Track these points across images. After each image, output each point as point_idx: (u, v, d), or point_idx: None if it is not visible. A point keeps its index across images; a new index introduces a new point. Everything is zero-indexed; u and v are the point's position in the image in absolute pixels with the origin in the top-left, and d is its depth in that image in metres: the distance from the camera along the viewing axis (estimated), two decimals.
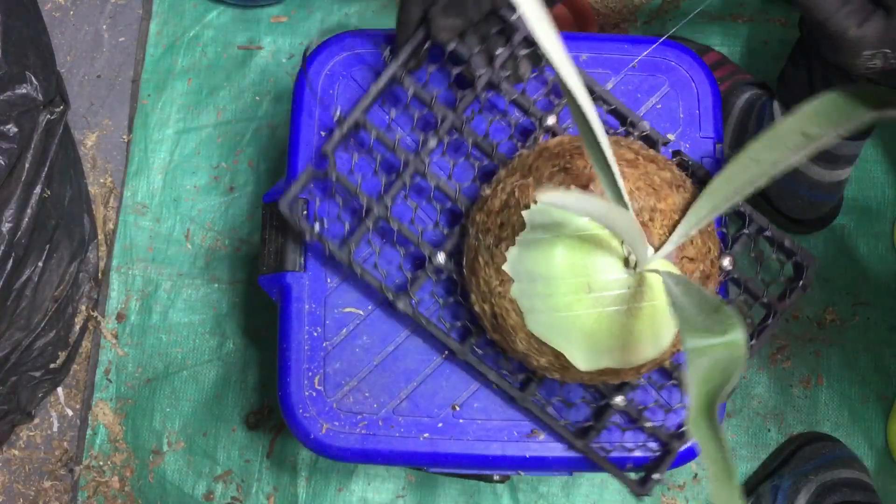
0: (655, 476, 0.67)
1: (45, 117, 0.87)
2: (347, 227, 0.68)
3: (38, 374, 0.95)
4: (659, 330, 0.59)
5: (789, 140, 0.56)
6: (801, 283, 0.68)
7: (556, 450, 0.69)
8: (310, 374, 0.70)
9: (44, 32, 0.89)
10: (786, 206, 0.98)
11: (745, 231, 0.68)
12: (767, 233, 0.68)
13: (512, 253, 0.59)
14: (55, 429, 1.01)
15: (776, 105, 0.94)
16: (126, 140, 1.07)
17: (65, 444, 1.01)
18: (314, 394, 0.69)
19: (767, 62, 1.07)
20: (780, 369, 1.01)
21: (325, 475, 0.99)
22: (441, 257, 0.66)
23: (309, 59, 0.73)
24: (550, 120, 0.67)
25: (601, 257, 0.58)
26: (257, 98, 1.07)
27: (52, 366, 0.97)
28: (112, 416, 1.00)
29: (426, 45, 0.66)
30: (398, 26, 0.64)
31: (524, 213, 0.58)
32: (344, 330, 0.70)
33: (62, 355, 0.98)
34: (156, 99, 1.07)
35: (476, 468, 0.71)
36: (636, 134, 0.68)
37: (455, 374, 0.69)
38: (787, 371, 1.01)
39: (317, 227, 0.67)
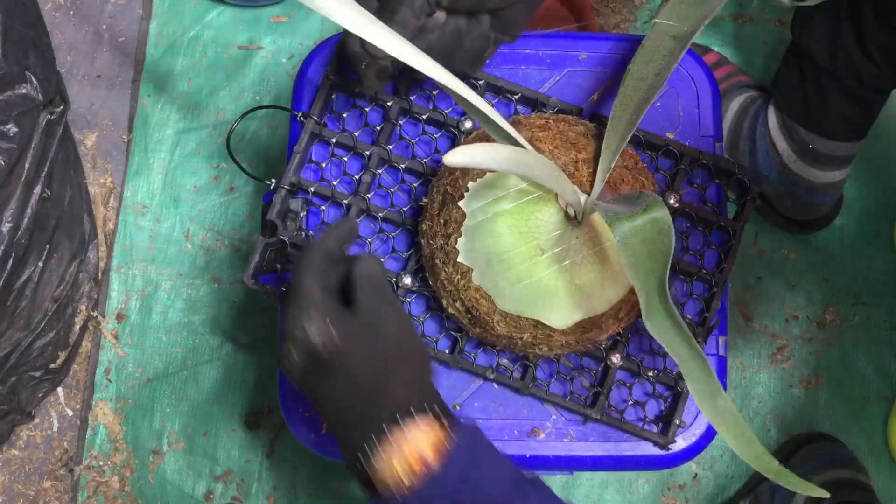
0: (675, 421, 0.68)
1: (45, 117, 0.87)
2: None
3: (38, 374, 0.95)
4: (616, 268, 0.61)
5: (663, 48, 0.59)
6: (748, 197, 0.70)
7: (557, 448, 0.69)
8: None
9: (44, 32, 0.89)
10: (784, 207, 0.98)
11: (681, 166, 0.69)
12: (702, 161, 0.70)
13: (461, 242, 0.62)
14: (55, 429, 1.01)
15: (772, 109, 0.94)
16: (126, 140, 1.07)
17: (65, 444, 1.01)
18: None
19: (767, 62, 1.07)
20: (780, 369, 1.01)
21: (325, 475, 0.99)
22: (407, 279, 0.68)
23: (308, 58, 0.73)
24: (468, 124, 0.70)
25: (542, 218, 0.61)
26: (257, 98, 1.07)
27: (52, 366, 0.97)
28: (112, 416, 1.00)
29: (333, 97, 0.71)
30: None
31: (460, 203, 0.61)
32: None
33: (62, 355, 0.98)
34: (156, 99, 1.07)
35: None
36: (550, 111, 0.70)
37: (455, 373, 0.69)
38: (787, 371, 1.01)
39: (283, 290, 0.68)
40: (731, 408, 0.50)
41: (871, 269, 1.03)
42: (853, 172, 0.97)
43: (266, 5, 1.09)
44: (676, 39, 0.59)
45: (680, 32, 0.59)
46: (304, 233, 0.70)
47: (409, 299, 0.69)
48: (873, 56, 0.81)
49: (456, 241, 0.62)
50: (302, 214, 0.70)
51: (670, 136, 0.71)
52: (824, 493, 0.50)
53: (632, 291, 0.63)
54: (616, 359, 0.68)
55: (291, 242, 0.69)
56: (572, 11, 1.07)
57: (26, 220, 0.86)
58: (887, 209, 1.04)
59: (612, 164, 0.61)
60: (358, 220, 0.70)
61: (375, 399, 0.52)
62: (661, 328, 0.50)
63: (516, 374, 0.69)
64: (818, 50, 0.85)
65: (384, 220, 0.70)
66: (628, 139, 0.61)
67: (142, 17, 1.10)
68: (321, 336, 0.52)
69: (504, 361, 0.69)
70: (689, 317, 0.70)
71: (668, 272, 0.50)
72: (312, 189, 0.70)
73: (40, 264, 0.91)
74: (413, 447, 0.51)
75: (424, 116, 0.70)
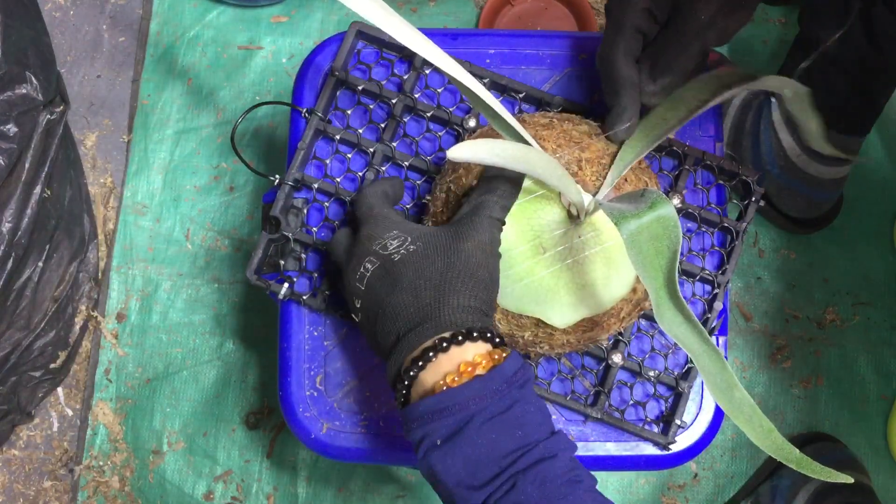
0: (676, 421, 0.68)
1: (45, 117, 0.87)
2: (316, 276, 0.70)
3: (38, 374, 0.95)
4: (618, 268, 0.61)
5: (689, 104, 0.61)
6: (752, 198, 0.69)
7: None
8: (311, 373, 0.70)
9: (44, 32, 0.89)
10: (786, 204, 0.98)
11: (685, 166, 0.69)
12: (706, 161, 0.70)
13: None
14: (55, 429, 1.01)
15: (775, 103, 0.94)
16: (126, 140, 1.07)
17: (65, 444, 1.01)
18: (315, 393, 0.69)
19: (767, 62, 1.07)
20: (780, 369, 1.01)
21: (325, 475, 0.99)
22: None
23: (309, 58, 0.73)
24: (471, 122, 0.70)
25: (545, 217, 0.61)
26: (257, 98, 1.07)
27: (52, 366, 0.97)
28: (112, 416, 1.00)
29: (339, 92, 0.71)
30: (611, 95, 0.63)
31: (464, 201, 0.61)
32: (344, 329, 0.70)
33: (62, 355, 0.98)
34: (156, 99, 1.07)
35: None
36: (553, 110, 0.70)
37: None
38: (787, 371, 1.01)
39: (285, 286, 0.69)
40: (748, 399, 0.50)
41: (871, 269, 1.03)
42: (853, 172, 0.97)
43: (266, 5, 1.09)
44: (701, 101, 0.62)
45: (706, 98, 0.62)
46: (306, 229, 0.70)
47: None
48: (882, 47, 0.81)
49: None
50: (305, 211, 0.70)
51: (671, 136, 0.71)
52: (847, 479, 0.51)
53: (633, 291, 0.63)
54: (617, 358, 0.68)
55: (294, 238, 0.69)
56: (572, 12, 1.07)
57: (26, 220, 0.85)
58: (887, 209, 1.04)
59: (623, 173, 0.61)
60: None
61: (437, 309, 0.53)
62: (672, 324, 0.50)
63: None
64: (827, 39, 0.85)
65: None
66: (643, 156, 0.62)
67: (142, 17, 1.10)
68: (397, 240, 0.56)
69: None
70: None
71: (676, 268, 0.50)
72: (316, 185, 0.70)
73: (40, 264, 0.91)
74: (463, 356, 0.51)
75: (429, 114, 0.70)
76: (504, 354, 0.52)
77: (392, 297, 0.55)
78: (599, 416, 0.68)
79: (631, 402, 0.69)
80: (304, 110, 0.70)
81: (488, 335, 0.53)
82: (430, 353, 0.51)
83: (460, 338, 0.52)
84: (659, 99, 0.63)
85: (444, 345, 0.51)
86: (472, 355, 0.51)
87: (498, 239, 0.58)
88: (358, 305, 0.58)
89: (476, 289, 0.54)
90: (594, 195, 0.61)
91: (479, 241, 0.56)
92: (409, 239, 0.56)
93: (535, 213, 0.60)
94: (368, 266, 0.56)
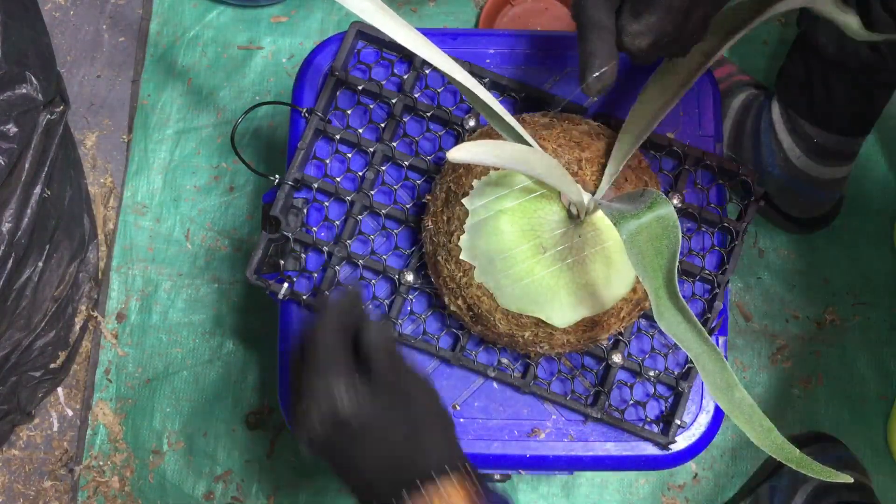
0: (676, 421, 0.68)
1: (45, 117, 0.87)
2: (316, 275, 0.70)
3: (38, 374, 0.95)
4: (618, 267, 0.61)
5: (691, 61, 0.58)
6: (752, 198, 0.70)
7: (557, 448, 0.69)
8: None
9: (44, 32, 0.89)
10: (786, 204, 0.97)
11: (685, 166, 0.69)
12: (706, 161, 0.70)
13: (464, 240, 0.62)
14: (55, 429, 1.01)
15: (775, 105, 0.94)
16: (126, 140, 1.07)
17: (65, 444, 1.01)
18: None
19: (767, 62, 1.07)
20: (780, 369, 1.01)
21: (325, 475, 0.99)
22: (409, 276, 0.68)
23: (309, 58, 0.73)
24: (471, 122, 0.70)
25: (545, 216, 0.61)
26: (257, 98, 1.07)
27: (52, 366, 0.97)
28: (112, 416, 1.00)
29: (338, 91, 0.71)
30: (582, 42, 0.55)
31: (463, 200, 0.61)
32: None
33: (62, 355, 0.98)
34: (156, 99, 1.07)
35: (476, 467, 0.71)
36: (554, 110, 0.70)
37: (455, 373, 0.69)
38: (787, 371, 1.01)
39: (285, 286, 0.69)
40: (748, 399, 0.50)
41: (871, 269, 1.03)
42: (853, 172, 0.97)
43: (266, 5, 1.09)
44: (703, 55, 0.59)
45: (710, 48, 0.59)
46: (306, 229, 0.71)
47: (411, 296, 0.69)
48: (881, 49, 0.81)
49: (458, 239, 0.62)
50: (305, 211, 0.70)
51: (670, 136, 0.71)
52: (847, 479, 0.51)
53: (633, 290, 0.63)
54: (617, 358, 0.68)
55: (294, 238, 0.69)
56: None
57: (26, 220, 0.85)
58: (887, 209, 1.04)
59: (621, 167, 0.61)
60: (361, 217, 0.70)
61: (409, 460, 0.52)
62: (672, 324, 0.50)
63: (517, 373, 0.69)
64: (826, 43, 0.85)
65: (387, 217, 0.70)
66: (640, 144, 0.61)
67: (142, 17, 1.10)
68: (351, 407, 0.51)
69: (505, 360, 0.69)
70: None
71: (676, 268, 0.50)
72: (316, 185, 0.70)
73: (40, 264, 0.91)
74: (445, 501, 0.50)
75: (429, 114, 0.71)
76: (480, 500, 0.51)
77: (355, 470, 0.55)
78: (599, 416, 0.68)
79: (631, 402, 0.69)
80: (304, 110, 0.70)
81: (465, 469, 0.52)
82: None
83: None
84: (644, 41, 0.54)
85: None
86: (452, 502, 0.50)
87: (414, 364, 0.55)
88: (304, 448, 0.55)
89: (443, 433, 0.54)
90: (594, 193, 0.61)
91: (416, 382, 0.54)
92: (362, 404, 0.52)
93: (536, 212, 0.60)
94: (318, 425, 0.53)
